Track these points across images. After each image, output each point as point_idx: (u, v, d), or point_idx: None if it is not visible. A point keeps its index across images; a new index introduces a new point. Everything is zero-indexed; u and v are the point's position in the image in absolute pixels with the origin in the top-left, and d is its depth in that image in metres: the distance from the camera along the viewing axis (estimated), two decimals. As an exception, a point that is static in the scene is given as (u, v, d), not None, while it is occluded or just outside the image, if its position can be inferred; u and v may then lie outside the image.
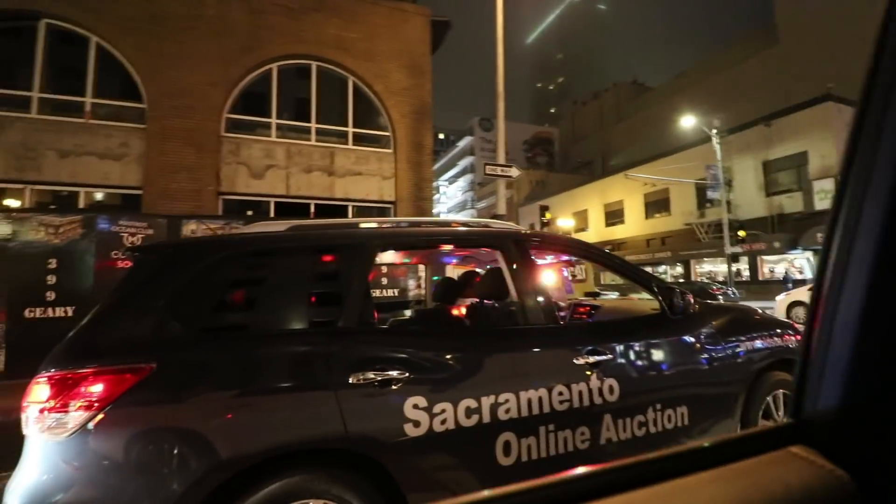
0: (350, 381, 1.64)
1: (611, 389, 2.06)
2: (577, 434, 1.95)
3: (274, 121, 10.16)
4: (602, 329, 2.34)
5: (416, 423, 1.68)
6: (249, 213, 9.70)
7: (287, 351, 1.67)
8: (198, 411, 1.49)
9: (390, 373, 1.70)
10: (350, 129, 10.77)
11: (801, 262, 20.99)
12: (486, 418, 1.78)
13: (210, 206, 9.19)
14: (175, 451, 1.43)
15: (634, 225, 30.49)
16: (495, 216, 8.15)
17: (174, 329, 1.61)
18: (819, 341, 0.53)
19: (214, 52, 9.40)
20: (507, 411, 1.82)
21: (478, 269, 3.39)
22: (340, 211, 10.52)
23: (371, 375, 1.67)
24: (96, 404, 1.44)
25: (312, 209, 10.27)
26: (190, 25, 9.28)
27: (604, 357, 2.10)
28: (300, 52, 10.20)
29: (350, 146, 10.71)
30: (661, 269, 26.09)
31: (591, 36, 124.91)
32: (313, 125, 10.46)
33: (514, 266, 2.19)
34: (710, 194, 21.81)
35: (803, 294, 11.11)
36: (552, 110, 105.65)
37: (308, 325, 1.77)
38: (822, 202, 19.49)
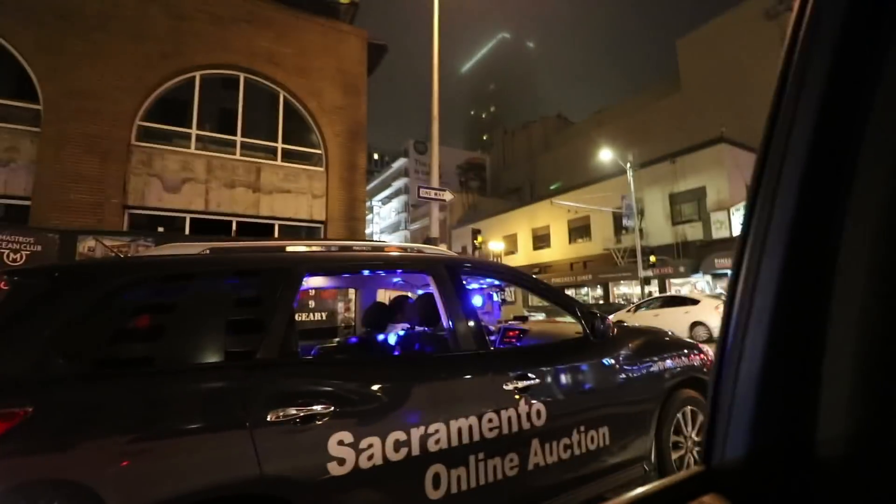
0: (268, 418, 1.54)
1: (538, 413, 2.09)
2: (506, 461, 1.94)
3: (194, 131, 9.54)
4: (530, 353, 2.37)
5: (341, 461, 1.60)
6: (160, 229, 8.92)
7: (197, 387, 1.54)
8: (84, 461, 1.31)
9: (314, 407, 1.61)
10: (279, 145, 10.40)
11: (702, 285, 23.39)
12: (416, 450, 1.74)
13: (114, 221, 8.33)
14: None
15: (559, 249, 32.18)
16: (428, 239, 8.22)
17: (59, 366, 1.43)
18: (725, 386, 0.53)
19: (128, 54, 8.70)
20: (437, 442, 1.79)
21: (409, 294, 3.38)
22: (266, 230, 10.03)
23: (292, 411, 1.58)
24: None
25: (234, 227, 9.69)
26: (101, 24, 8.53)
27: (532, 381, 2.12)
28: (227, 62, 9.76)
29: (279, 162, 10.32)
30: (584, 290, 27.68)
31: (521, 70, 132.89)
32: (239, 138, 9.97)
33: (446, 291, 2.19)
34: (625, 222, 23.70)
35: (706, 312, 12.34)
36: (485, 137, 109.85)
37: (223, 358, 1.66)
38: (718, 231, 21.99)
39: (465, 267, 2.41)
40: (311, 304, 8.08)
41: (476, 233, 13.27)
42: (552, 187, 47.90)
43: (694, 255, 22.92)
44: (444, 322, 2.16)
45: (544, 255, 33.37)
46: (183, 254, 1.94)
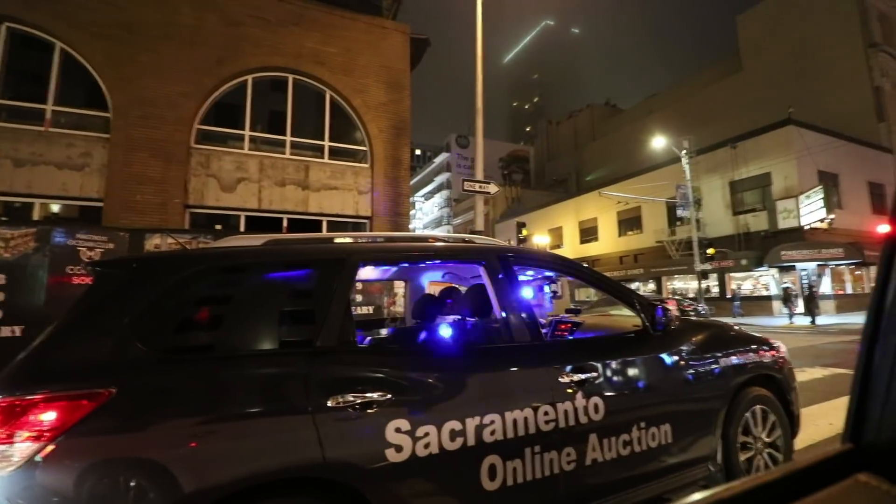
0: (328, 404, 1.59)
1: (596, 408, 2.07)
2: (563, 455, 1.94)
3: (247, 133, 10.02)
4: (586, 346, 2.36)
5: (399, 448, 1.63)
6: (218, 227, 9.45)
7: (260, 373, 1.61)
8: (161, 440, 1.40)
9: (371, 395, 1.65)
10: (326, 143, 10.71)
11: (767, 280, 21.89)
12: (471, 441, 1.75)
13: (176, 220, 8.92)
14: (134, 486, 1.33)
15: (608, 242, 31.20)
16: (473, 232, 8.21)
17: (137, 350, 1.52)
18: (880, 365, 0.51)
19: (187, 61, 9.25)
20: (493, 433, 1.80)
21: (458, 286, 3.40)
22: (314, 226, 10.38)
23: (350, 398, 1.62)
24: (46, 434, 1.33)
25: (285, 223, 10.10)
26: (163, 33, 9.12)
27: (588, 375, 2.11)
28: (277, 64, 10.15)
29: (326, 160, 10.64)
30: (634, 285, 26.70)
31: (566, 57, 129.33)
32: (288, 138, 10.37)
33: (498, 281, 2.20)
34: (680, 213, 22.60)
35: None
36: (528, 129, 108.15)
37: (284, 345, 1.72)
38: (785, 221, 20.48)
39: (518, 257, 2.41)
40: (359, 297, 8.31)
41: (521, 226, 13.12)
42: (589, 178, 46.55)
43: (758, 247, 21.49)
44: (497, 312, 2.16)
45: (592, 249, 32.51)
46: (245, 245, 2.02)
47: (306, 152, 10.67)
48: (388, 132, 11.10)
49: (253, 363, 1.62)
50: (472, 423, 1.77)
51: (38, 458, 1.32)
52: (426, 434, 1.68)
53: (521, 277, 3.76)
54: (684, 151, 22.02)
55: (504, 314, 2.13)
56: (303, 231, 9.98)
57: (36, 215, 8.19)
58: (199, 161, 9.40)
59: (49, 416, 1.35)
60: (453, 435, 1.72)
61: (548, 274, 4.35)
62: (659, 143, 23.31)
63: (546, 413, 1.94)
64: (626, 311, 2.67)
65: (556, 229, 36.49)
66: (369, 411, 1.63)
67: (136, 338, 1.54)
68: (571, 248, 34.01)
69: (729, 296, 22.41)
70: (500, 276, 2.21)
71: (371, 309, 8.29)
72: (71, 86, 8.72)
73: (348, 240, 2.22)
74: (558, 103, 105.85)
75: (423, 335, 2.57)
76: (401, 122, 11.29)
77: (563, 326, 3.53)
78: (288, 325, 1.79)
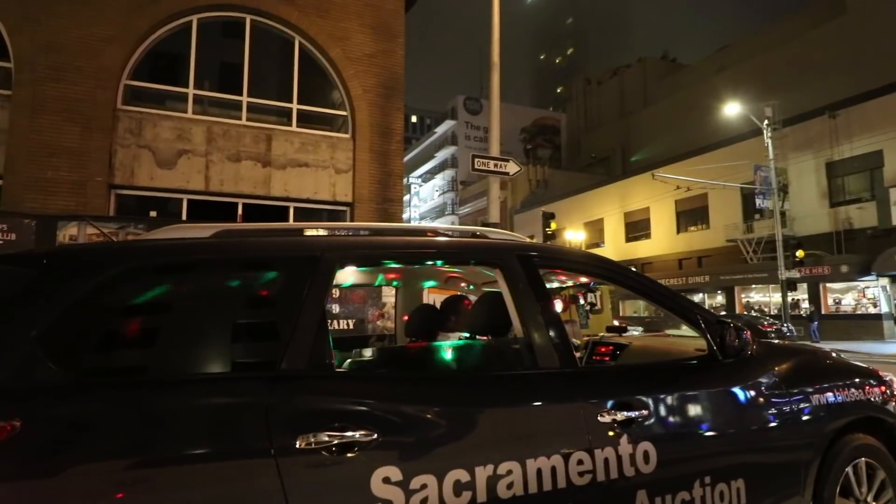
0: (296, 444, 1.60)
1: (645, 457, 2.07)
2: None
3: (191, 91, 10.05)
4: (633, 376, 2.36)
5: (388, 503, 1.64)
6: (153, 213, 9.48)
7: (208, 403, 1.63)
8: (78, 490, 1.39)
9: (352, 434, 1.66)
10: (294, 106, 10.75)
11: (875, 292, 21.82)
12: (483, 496, 1.76)
13: (98, 204, 8.96)
14: None
15: (663, 240, 31.19)
16: (486, 225, 8.21)
17: (48, 372, 1.52)
18: None
19: (113, -3, 9.29)
20: (510, 487, 1.80)
21: (464, 295, 3.43)
22: (278, 213, 10.42)
23: (325, 438, 1.62)
24: None
25: (240, 210, 10.13)
26: (80, -40, 9.15)
27: (636, 413, 2.11)
28: (231, 1, 10.17)
29: (293, 128, 10.68)
30: (698, 297, 26.68)
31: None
32: (245, 99, 10.40)
33: (519, 289, 2.22)
34: (760, 203, 22.56)
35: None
36: (559, 90, 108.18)
37: (239, 368, 1.75)
38: (901, 215, 20.39)
39: (545, 257, 2.44)
40: (336, 308, 8.33)
41: (548, 217, 13.15)
42: (636, 157, 46.51)
43: (863, 249, 21.43)
44: (517, 330, 2.18)
45: (641, 249, 32.53)
46: (189, 237, 2.04)
47: (268, 118, 10.68)
48: (376, 92, 11.12)
49: (198, 390, 1.63)
50: (482, 472, 1.77)
51: None
52: (423, 486, 1.69)
53: (549, 285, 3.80)
54: (766, 122, 21.96)
55: (526, 332, 2.14)
56: (264, 220, 10.01)
57: (-85, 196, 8.25)
58: (129, 127, 9.43)
59: None
60: (458, 488, 1.73)
61: (583, 281, 4.38)
62: (732, 109, 23.23)
63: (580, 462, 1.94)
64: (687, 331, 2.69)
65: (594, 222, 36.51)
66: (349, 455, 1.64)
67: (46, 356, 1.54)
68: (614, 248, 34.02)
69: (822, 312, 22.34)
70: (522, 282, 2.23)
71: (351, 323, 8.31)
72: (-39, 27, 8.78)
73: (323, 232, 2.25)
74: (599, 57, 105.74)
75: (418, 357, 2.58)
76: (392, 79, 11.31)
77: (602, 350, 3.55)
78: (244, 342, 1.81)
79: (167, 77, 10.13)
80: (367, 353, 3.40)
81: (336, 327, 8.17)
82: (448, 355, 2.53)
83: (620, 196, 34.53)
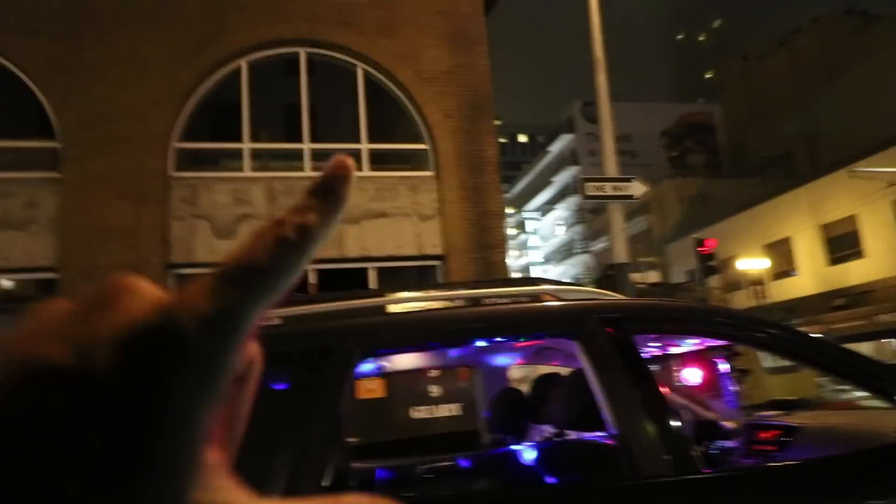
0: None
1: None
2: None
3: (246, 146, 10.95)
4: (800, 479, 2.19)
5: None
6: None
7: None
8: None
9: None
10: (363, 146, 11.32)
11: None
12: None
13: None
14: None
15: (884, 258, 28.53)
16: (609, 268, 8.01)
17: None
18: None
19: (155, 51, 10.47)
20: None
21: (559, 371, 3.38)
22: (357, 277, 10.83)
23: None
24: None
25: (312, 279, 10.66)
26: (119, 19, 10.46)
27: None
28: (281, 35, 11.10)
29: (365, 172, 11.19)
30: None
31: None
32: (306, 146, 11.13)
33: (604, 366, 2.16)
34: None
35: None
36: (707, 75, 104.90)
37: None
38: None
39: (641, 319, 2.38)
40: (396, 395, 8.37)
41: (698, 243, 12.58)
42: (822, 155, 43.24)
43: None
44: (607, 422, 2.11)
45: (853, 273, 29.98)
46: None
47: (335, 164, 11.29)
48: (459, 116, 11.44)
49: None
50: None
51: None
52: None
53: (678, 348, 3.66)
54: None
55: (619, 424, 2.06)
56: (340, 288, 10.47)
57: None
58: (182, 196, 10.41)
59: None
60: None
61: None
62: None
63: None
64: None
65: (777, 244, 34.35)
66: None
67: None
68: (813, 274, 31.71)
69: None
70: (607, 355, 2.17)
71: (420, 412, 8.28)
72: (7, 109, 10.27)
73: (352, 304, 2.36)
74: (756, 25, 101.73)
75: (501, 465, 2.59)
76: (478, 96, 11.60)
77: (764, 436, 3.28)
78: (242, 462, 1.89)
79: (219, 133, 11.11)
80: (458, 457, 3.44)
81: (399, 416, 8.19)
82: (534, 459, 2.49)
83: (812, 205, 32.28)
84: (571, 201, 59.09)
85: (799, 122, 49.12)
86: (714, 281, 21.03)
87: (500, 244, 11.41)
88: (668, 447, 2.03)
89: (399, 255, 11.00)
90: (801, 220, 32.94)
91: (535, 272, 56.27)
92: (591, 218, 53.83)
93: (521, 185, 69.70)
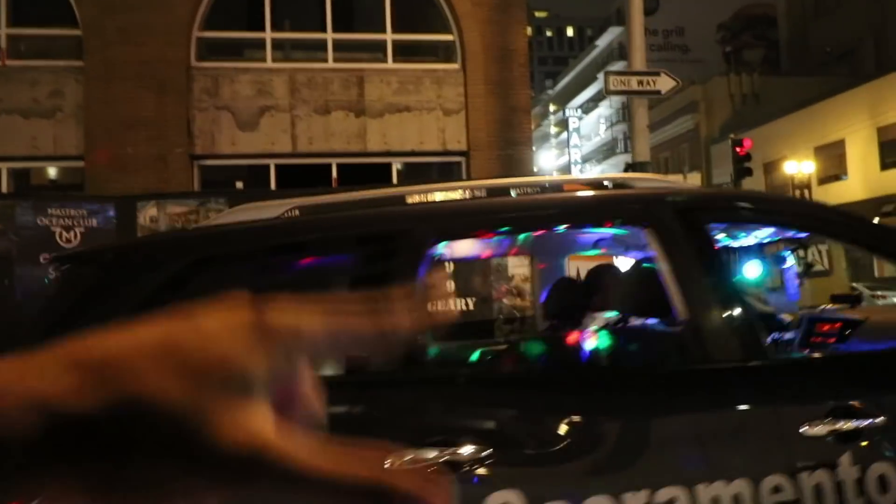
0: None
1: (882, 484, 1.92)
2: None
3: (269, 35, 10.80)
4: (859, 367, 2.27)
5: None
6: (239, 185, 10.43)
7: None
8: None
9: (461, 449, 1.76)
10: (388, 37, 11.06)
11: None
12: None
13: (182, 179, 10.08)
14: None
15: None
16: (632, 167, 7.86)
17: None
18: None
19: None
20: None
21: (613, 262, 3.56)
22: (379, 172, 10.88)
23: (432, 454, 1.74)
24: None
25: (335, 171, 10.74)
26: None
27: (866, 422, 1.99)
28: (303, -83, 10.68)
29: (389, 64, 11.01)
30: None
31: None
32: (329, 35, 10.92)
33: (678, 255, 2.18)
34: None
35: None
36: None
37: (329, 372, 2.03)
38: None
39: (715, 207, 2.44)
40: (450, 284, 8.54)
41: (736, 143, 12.22)
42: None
43: None
44: (677, 310, 2.14)
45: (904, 179, 28.89)
46: (259, 217, 2.33)
47: (359, 55, 11.14)
48: (489, 5, 11.02)
49: None
50: (634, 501, 1.76)
51: None
52: None
53: (737, 241, 3.69)
54: None
55: (691, 312, 2.09)
56: (363, 182, 10.54)
57: (3, 185, 9.94)
58: (205, 87, 10.42)
59: None
60: None
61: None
62: None
63: (777, 489, 1.85)
64: None
65: (830, 146, 33.12)
66: (459, 475, 1.73)
67: None
68: (863, 180, 30.70)
69: None
70: (681, 245, 2.19)
71: (471, 301, 8.49)
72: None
73: (422, 196, 2.47)
74: None
75: (556, 350, 2.66)
76: (509, -19, 11.14)
77: (825, 328, 3.30)
78: None
79: (242, 23, 10.94)
80: (494, 344, 3.55)
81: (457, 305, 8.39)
82: (593, 344, 2.57)
83: (872, 105, 30.74)
84: (616, 99, 57.35)
85: (867, 15, 46.08)
86: (754, 184, 20.46)
87: (526, 141, 11.26)
88: (738, 334, 2.10)
89: (422, 150, 10.95)
90: (858, 120, 31.55)
91: (574, 172, 55.57)
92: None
93: (564, 82, 67.58)
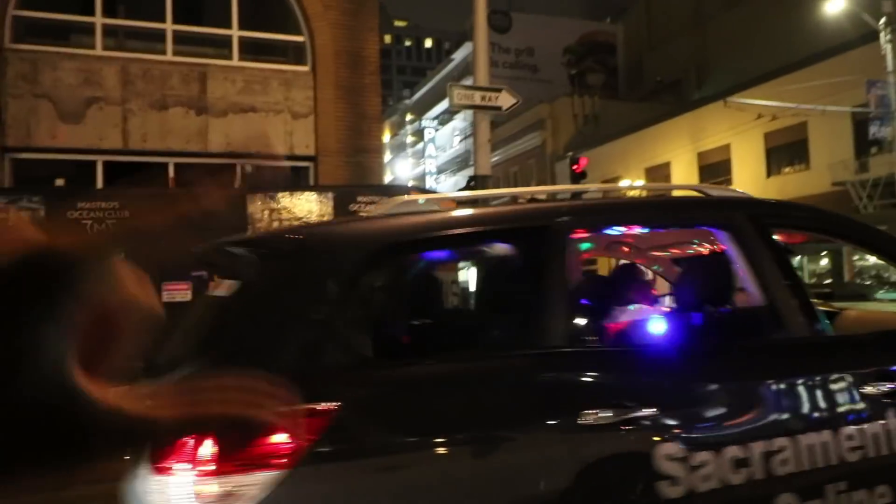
0: (579, 420, 2.07)
1: None
2: (875, 496, 2.34)
3: (99, 20, 10.03)
4: (887, 344, 2.77)
5: (674, 480, 2.07)
6: (59, 181, 9.57)
7: (487, 381, 2.21)
8: (397, 461, 2.02)
9: (633, 411, 2.14)
10: (234, 32, 10.68)
11: None
12: (760, 474, 2.18)
13: (-10, 172, 9.08)
14: None
15: (748, 185, 30.30)
16: (474, 179, 8.02)
17: (350, 354, 2.19)
18: None
19: None
20: (784, 463, 2.22)
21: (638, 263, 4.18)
22: (220, 174, 10.37)
23: (609, 414, 2.09)
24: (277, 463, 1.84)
25: (171, 171, 10.13)
26: None
27: None
28: None
29: (234, 62, 10.62)
30: (795, 260, 26.09)
31: None
32: (169, 27, 10.33)
33: (753, 252, 2.64)
34: (876, 132, 21.83)
35: None
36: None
37: (498, 345, 2.50)
38: None
39: (778, 215, 3.07)
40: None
41: (573, 161, 12.96)
42: (708, 84, 44.96)
43: None
44: (755, 295, 2.65)
45: (721, 200, 31.91)
46: (422, 210, 2.68)
47: (203, 49, 10.61)
48: (341, 9, 10.92)
49: (480, 370, 2.23)
50: (758, 449, 2.20)
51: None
52: (703, 463, 2.12)
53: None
54: (883, 21, 20.99)
55: (771, 300, 2.55)
56: (201, 183, 9.99)
57: None
58: (21, 72, 9.44)
59: (279, 439, 1.81)
60: (736, 465, 2.16)
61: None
62: (836, 5, 22.24)
63: (850, 437, 2.33)
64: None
65: (658, 168, 35.89)
66: (633, 431, 2.14)
67: (343, 340, 2.18)
68: (687, 200, 33.42)
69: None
70: (753, 242, 2.64)
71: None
72: None
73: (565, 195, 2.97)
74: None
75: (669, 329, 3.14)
76: (362, -13, 11.09)
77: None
78: (499, 319, 2.62)
79: (69, 4, 10.07)
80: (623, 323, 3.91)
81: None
82: (694, 326, 3.08)
83: (693, 131, 33.64)
84: (469, 112, 58.94)
85: (692, 50, 50.49)
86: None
87: (376, 149, 11.27)
88: (804, 314, 2.57)
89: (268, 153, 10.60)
90: (681, 144, 34.39)
91: (429, 182, 56.32)
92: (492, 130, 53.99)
93: (422, 92, 68.51)
